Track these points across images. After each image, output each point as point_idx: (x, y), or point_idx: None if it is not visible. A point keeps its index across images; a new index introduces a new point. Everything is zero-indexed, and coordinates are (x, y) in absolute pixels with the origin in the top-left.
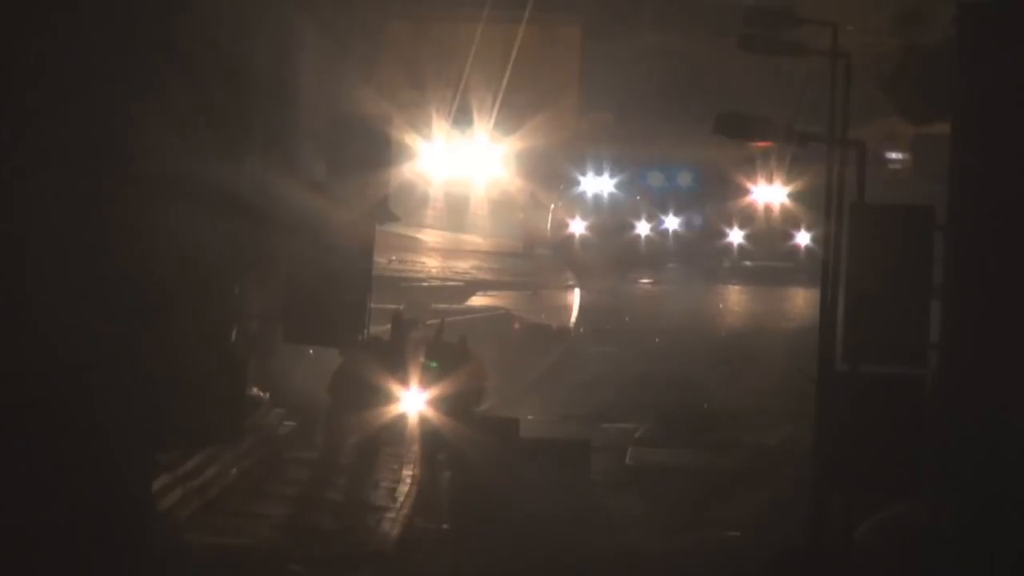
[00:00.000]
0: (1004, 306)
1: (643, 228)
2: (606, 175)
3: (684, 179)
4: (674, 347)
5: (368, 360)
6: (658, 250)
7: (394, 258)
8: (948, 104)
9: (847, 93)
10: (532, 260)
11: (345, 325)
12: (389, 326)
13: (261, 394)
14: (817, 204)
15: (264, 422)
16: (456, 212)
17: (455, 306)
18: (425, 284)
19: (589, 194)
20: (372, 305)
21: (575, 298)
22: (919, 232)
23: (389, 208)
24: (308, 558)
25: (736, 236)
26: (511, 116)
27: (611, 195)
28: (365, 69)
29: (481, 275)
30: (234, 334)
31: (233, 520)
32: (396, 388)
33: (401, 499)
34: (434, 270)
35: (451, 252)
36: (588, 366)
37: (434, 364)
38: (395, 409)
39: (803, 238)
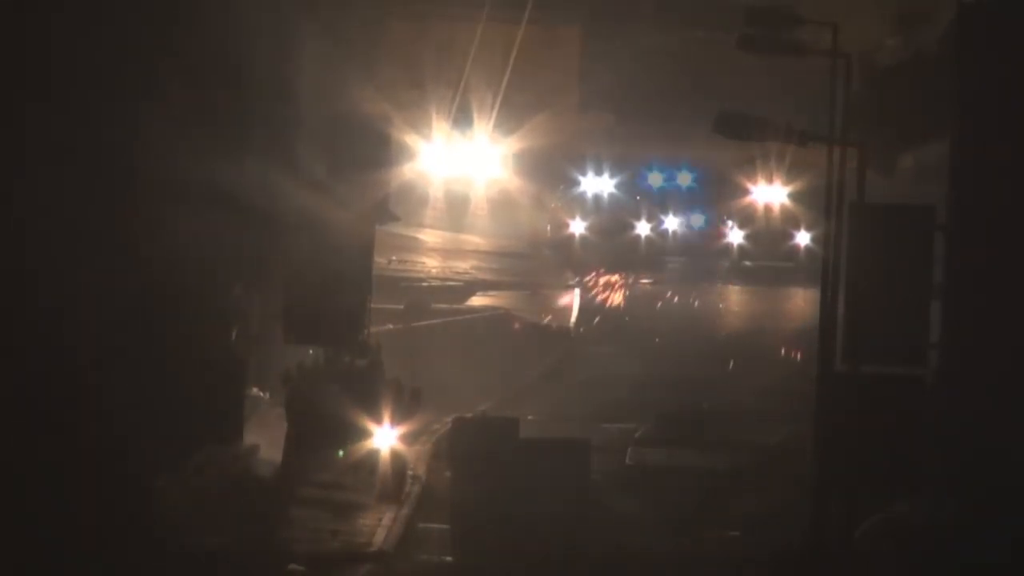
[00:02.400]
0: (1004, 306)
1: (643, 228)
2: (606, 175)
3: (684, 179)
4: (674, 347)
5: (335, 391)
6: (658, 250)
7: (394, 258)
8: (947, 107)
9: (847, 93)
10: (532, 260)
11: (345, 325)
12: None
13: (261, 394)
14: (817, 204)
15: (264, 422)
16: (456, 212)
17: (455, 306)
18: (425, 284)
19: (589, 194)
20: (372, 305)
21: (575, 298)
22: (919, 232)
23: (389, 208)
24: (308, 558)
25: (736, 236)
26: (511, 116)
27: (611, 195)
28: (365, 69)
29: (481, 275)
30: (234, 334)
31: (233, 520)
32: (367, 424)
33: (402, 499)
34: (434, 270)
35: (451, 252)
36: (588, 366)
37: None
38: (366, 447)
39: (803, 238)
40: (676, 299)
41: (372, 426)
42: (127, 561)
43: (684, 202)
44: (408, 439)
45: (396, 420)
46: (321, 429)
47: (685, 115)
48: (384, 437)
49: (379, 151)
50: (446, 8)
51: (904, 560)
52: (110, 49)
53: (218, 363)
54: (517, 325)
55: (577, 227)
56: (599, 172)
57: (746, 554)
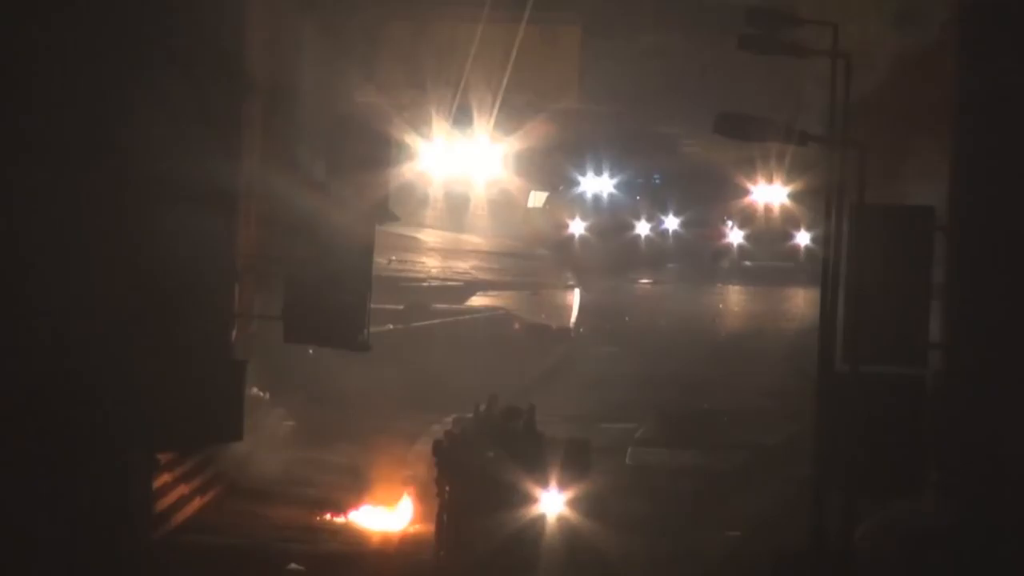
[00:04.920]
0: (1004, 306)
1: (643, 228)
2: (606, 175)
3: (684, 179)
4: (674, 347)
5: (505, 454)
6: (658, 250)
7: (394, 258)
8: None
9: (847, 93)
10: (532, 260)
11: (345, 325)
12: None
13: (261, 394)
14: (817, 204)
15: (264, 422)
16: (456, 212)
17: (455, 306)
18: (425, 284)
19: (589, 194)
20: (372, 305)
21: (575, 298)
22: (919, 232)
23: (389, 208)
24: (308, 558)
25: (736, 236)
26: (511, 116)
27: (611, 195)
28: (365, 69)
29: (481, 275)
30: (234, 334)
31: (233, 520)
32: (533, 487)
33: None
34: (434, 270)
35: (451, 252)
36: (588, 366)
37: None
38: (532, 512)
39: (803, 238)
40: (675, 299)
41: (537, 490)
42: (127, 561)
43: (684, 202)
44: (407, 439)
45: (565, 481)
46: (484, 496)
47: (685, 115)
48: (552, 502)
49: (379, 151)
50: (446, 8)
51: (904, 560)
52: (106, 47)
53: (218, 363)
54: (517, 325)
55: (577, 227)
56: (599, 172)
57: (746, 554)
